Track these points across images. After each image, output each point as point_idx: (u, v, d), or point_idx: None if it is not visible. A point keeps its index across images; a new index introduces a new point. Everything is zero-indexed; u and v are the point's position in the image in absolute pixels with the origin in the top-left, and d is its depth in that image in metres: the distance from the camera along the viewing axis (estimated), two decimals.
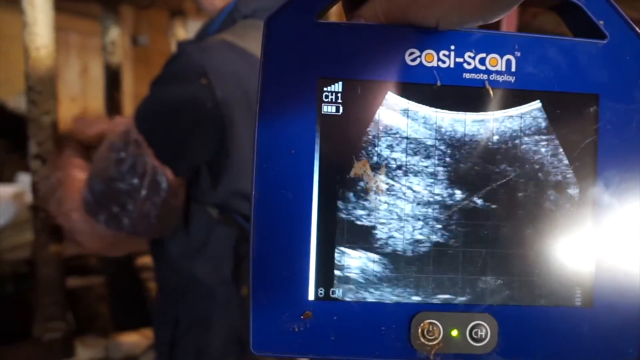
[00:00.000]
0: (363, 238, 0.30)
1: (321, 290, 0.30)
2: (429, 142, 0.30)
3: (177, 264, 1.01)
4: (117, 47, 1.72)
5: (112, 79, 1.77)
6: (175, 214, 0.96)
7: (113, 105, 1.74)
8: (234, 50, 0.94)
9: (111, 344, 1.46)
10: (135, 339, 1.54)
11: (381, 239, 0.30)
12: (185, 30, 1.84)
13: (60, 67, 1.28)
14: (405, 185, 0.30)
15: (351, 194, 0.30)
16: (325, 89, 0.30)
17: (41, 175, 1.22)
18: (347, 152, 0.30)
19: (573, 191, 0.31)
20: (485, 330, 0.30)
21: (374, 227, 0.30)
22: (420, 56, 0.30)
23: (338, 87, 0.30)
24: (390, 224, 0.30)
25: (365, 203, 0.30)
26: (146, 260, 1.77)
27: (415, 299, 0.30)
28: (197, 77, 0.90)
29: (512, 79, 0.31)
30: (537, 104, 0.31)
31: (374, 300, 0.30)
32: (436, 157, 0.30)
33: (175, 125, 0.92)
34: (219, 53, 0.93)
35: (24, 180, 1.88)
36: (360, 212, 0.30)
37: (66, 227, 1.00)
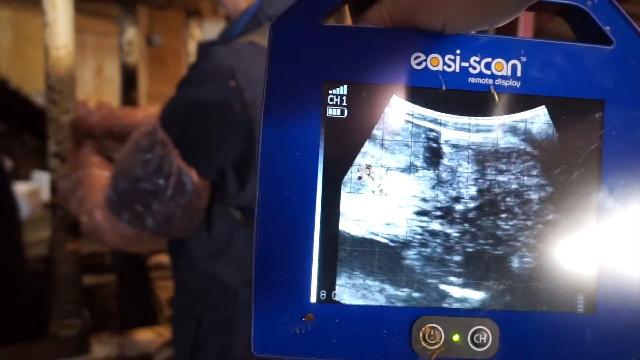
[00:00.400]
0: (366, 241, 0.30)
1: (323, 292, 0.30)
2: (434, 146, 0.30)
3: (198, 265, 1.01)
4: (134, 47, 1.74)
5: (129, 78, 1.78)
6: (199, 215, 0.96)
7: (129, 104, 1.76)
8: (261, 52, 0.94)
9: (126, 342, 1.47)
10: (150, 337, 1.55)
11: (384, 242, 0.30)
12: (201, 31, 1.85)
13: (76, 67, 1.29)
14: (409, 189, 0.30)
15: (355, 197, 0.30)
16: (330, 91, 0.30)
17: (60, 173, 1.24)
18: (351, 155, 0.30)
19: (577, 197, 0.31)
20: (486, 336, 0.30)
21: (377, 231, 0.30)
22: (425, 60, 0.30)
23: (343, 90, 0.30)
24: (393, 228, 0.30)
25: (369, 206, 0.30)
26: (159, 258, 1.78)
27: (417, 303, 0.30)
28: (227, 80, 0.90)
29: (517, 83, 0.30)
30: (542, 109, 0.31)
31: (375, 304, 0.30)
32: (440, 161, 0.30)
33: (203, 127, 0.92)
34: (248, 55, 0.93)
35: (39, 179, 1.90)
36: (363, 215, 0.30)
37: (88, 225, 1.01)
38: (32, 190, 1.81)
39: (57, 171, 1.25)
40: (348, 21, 0.33)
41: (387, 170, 0.30)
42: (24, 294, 1.50)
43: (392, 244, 0.30)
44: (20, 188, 1.74)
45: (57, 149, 1.25)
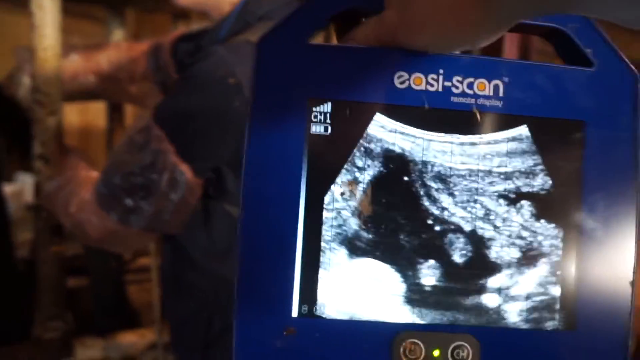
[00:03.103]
0: (347, 257, 0.30)
1: (304, 307, 0.30)
2: (417, 164, 0.31)
3: (202, 267, 1.00)
4: None
5: None
6: (189, 212, 0.96)
7: (115, 105, 1.75)
8: None
9: (109, 344, 1.47)
10: (133, 339, 1.55)
11: (365, 258, 0.30)
12: None
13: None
14: (390, 206, 0.31)
15: (337, 214, 0.30)
16: (314, 109, 0.30)
17: (45, 175, 1.23)
18: (334, 172, 0.30)
19: (558, 215, 0.31)
20: (467, 351, 0.30)
21: (358, 247, 0.30)
22: (408, 79, 0.31)
23: (327, 107, 0.30)
24: (374, 244, 0.30)
25: (350, 223, 0.30)
26: (142, 261, 1.78)
27: (398, 318, 0.30)
28: (226, 77, 0.90)
29: (499, 103, 0.31)
30: (524, 128, 0.31)
31: (356, 319, 0.30)
32: (422, 179, 0.31)
33: (199, 124, 0.92)
34: (246, 53, 0.94)
35: (23, 180, 1.89)
36: (345, 231, 0.30)
37: (75, 219, 1.00)
38: (15, 191, 1.79)
39: (41, 173, 1.24)
40: (333, 40, 0.33)
41: (369, 187, 0.31)
42: (10, 296, 1.49)
43: (373, 260, 0.30)
44: (4, 189, 1.72)
45: (42, 150, 1.24)
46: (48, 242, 1.29)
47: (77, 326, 1.42)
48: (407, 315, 0.30)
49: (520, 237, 0.31)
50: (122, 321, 1.62)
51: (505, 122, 0.31)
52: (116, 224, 0.94)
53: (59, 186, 1.06)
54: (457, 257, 0.31)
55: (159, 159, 0.91)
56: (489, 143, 0.31)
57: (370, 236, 0.30)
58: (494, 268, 0.31)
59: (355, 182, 0.30)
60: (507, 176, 0.31)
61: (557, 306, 0.31)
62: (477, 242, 0.31)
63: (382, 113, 0.31)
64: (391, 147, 0.31)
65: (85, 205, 0.97)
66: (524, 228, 0.31)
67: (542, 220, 0.31)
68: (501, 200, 0.31)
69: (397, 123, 0.31)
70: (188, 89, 0.95)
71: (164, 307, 1.32)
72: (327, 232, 0.30)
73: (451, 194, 0.31)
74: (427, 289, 0.31)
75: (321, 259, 0.30)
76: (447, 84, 0.31)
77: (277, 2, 1.00)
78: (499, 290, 0.31)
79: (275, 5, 0.99)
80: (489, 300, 0.31)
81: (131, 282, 1.77)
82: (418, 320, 0.30)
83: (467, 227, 0.31)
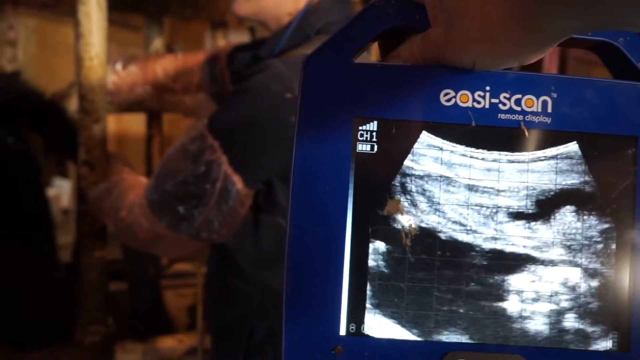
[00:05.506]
0: (395, 275, 0.30)
1: (352, 325, 0.30)
2: (463, 182, 0.31)
3: (249, 275, 1.01)
4: None
5: None
6: (238, 222, 0.97)
7: (154, 113, 1.78)
8: None
9: (148, 349, 1.49)
10: (172, 344, 1.57)
11: (413, 277, 0.30)
12: (227, 41, 1.87)
13: None
14: (437, 225, 0.30)
15: (384, 232, 0.30)
16: (360, 127, 0.30)
17: (89, 181, 1.26)
18: (381, 191, 0.30)
19: (610, 233, 0.30)
20: None
21: (405, 266, 0.30)
22: (455, 96, 0.30)
23: (373, 126, 0.31)
24: (422, 263, 0.30)
25: (398, 241, 0.30)
26: (179, 267, 1.80)
27: (446, 337, 0.30)
28: (283, 92, 0.91)
29: (548, 119, 0.30)
30: (573, 145, 0.31)
31: (404, 338, 0.30)
32: (470, 197, 0.30)
33: (254, 137, 0.94)
34: None
35: (60, 185, 1.93)
36: (392, 250, 0.30)
37: (123, 223, 1.01)
38: (53, 196, 1.84)
39: (86, 179, 1.27)
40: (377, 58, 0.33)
41: (416, 205, 0.30)
42: (53, 299, 1.52)
43: (421, 279, 0.30)
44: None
45: (87, 157, 1.27)
46: (91, 248, 1.31)
47: (118, 330, 1.45)
48: (455, 334, 0.30)
49: (571, 257, 0.30)
50: (159, 326, 1.65)
51: (554, 138, 0.31)
52: (166, 229, 0.96)
53: (106, 190, 1.09)
54: (506, 277, 0.30)
55: (213, 169, 0.92)
56: (536, 160, 0.31)
57: (417, 255, 0.30)
58: (544, 287, 0.30)
59: (401, 200, 0.30)
60: (556, 194, 0.31)
61: (610, 327, 0.30)
62: (525, 263, 0.30)
63: (428, 131, 0.30)
64: (437, 165, 0.31)
65: (135, 208, 0.99)
66: (574, 247, 0.30)
67: (593, 239, 0.30)
68: (551, 219, 0.30)
69: (443, 141, 0.30)
70: (243, 100, 0.96)
71: (206, 312, 1.33)
72: (374, 251, 0.30)
73: (500, 212, 0.30)
74: (476, 308, 0.30)
75: (369, 277, 0.30)
76: (494, 100, 0.30)
77: (336, 15, 1.00)
78: (549, 311, 0.30)
79: (334, 18, 0.99)
80: (539, 320, 0.30)
81: (166, 287, 1.79)
82: (467, 340, 0.30)
83: (514, 247, 0.30)
